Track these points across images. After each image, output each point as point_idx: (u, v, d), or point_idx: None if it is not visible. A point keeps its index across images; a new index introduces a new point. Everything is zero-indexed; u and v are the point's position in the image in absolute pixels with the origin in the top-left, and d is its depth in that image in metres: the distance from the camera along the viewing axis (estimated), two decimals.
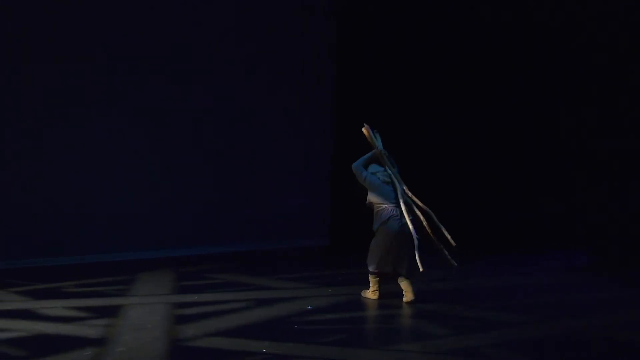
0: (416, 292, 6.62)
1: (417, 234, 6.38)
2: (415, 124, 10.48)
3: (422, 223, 6.47)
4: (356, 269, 7.63)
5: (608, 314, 6.32)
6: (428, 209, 6.52)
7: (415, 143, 10.58)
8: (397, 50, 10.66)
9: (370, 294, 6.80)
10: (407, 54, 10.59)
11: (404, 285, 6.65)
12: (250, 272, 8.24)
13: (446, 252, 6.53)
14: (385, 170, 6.68)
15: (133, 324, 5.75)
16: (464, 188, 10.28)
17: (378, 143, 6.73)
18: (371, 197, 6.65)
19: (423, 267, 6.27)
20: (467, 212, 10.24)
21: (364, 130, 6.72)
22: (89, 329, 5.62)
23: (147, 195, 9.37)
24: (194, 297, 6.82)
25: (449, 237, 6.47)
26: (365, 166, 6.70)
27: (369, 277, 6.78)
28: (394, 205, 6.55)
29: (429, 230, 6.46)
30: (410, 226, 6.42)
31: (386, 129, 10.47)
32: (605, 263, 8.70)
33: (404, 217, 6.47)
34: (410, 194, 6.59)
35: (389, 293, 6.86)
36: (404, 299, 6.62)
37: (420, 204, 6.55)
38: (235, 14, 10.01)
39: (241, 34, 10.05)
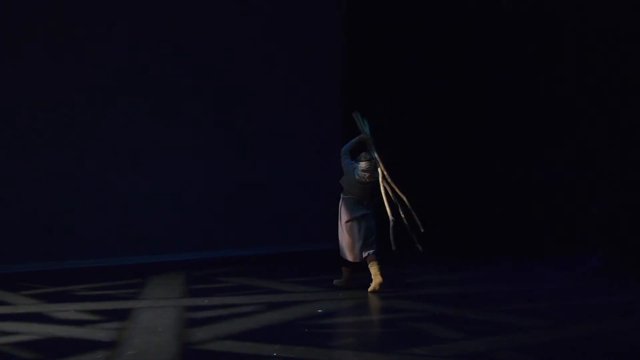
0: (385, 283, 6.97)
1: (392, 217, 6.89)
2: (421, 127, 10.50)
3: (398, 209, 6.92)
4: (366, 272, 7.61)
5: (622, 318, 6.25)
6: (403, 196, 6.98)
7: (421, 145, 10.59)
8: (402, 51, 10.69)
9: (341, 282, 7.24)
10: (411, 51, 10.63)
11: (373, 270, 6.99)
12: (260, 276, 8.25)
13: (414, 237, 6.92)
14: (369, 155, 7.09)
15: (144, 327, 5.76)
16: (470, 189, 10.22)
17: (366, 129, 7.22)
18: (344, 182, 7.23)
19: (395, 246, 6.83)
20: (474, 214, 10.19)
21: (353, 115, 7.37)
22: (100, 332, 5.63)
23: (157, 199, 9.39)
24: (205, 301, 6.82)
25: (419, 222, 6.93)
26: (352, 150, 7.23)
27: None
28: (356, 199, 7.09)
29: (403, 215, 6.90)
30: (388, 209, 6.91)
31: (393, 131, 10.62)
32: (618, 266, 8.61)
33: (368, 208, 7.06)
34: (389, 179, 7.02)
35: (397, 295, 6.85)
36: (369, 289, 7.00)
37: (397, 190, 6.99)
38: (236, 15, 10.05)
39: (243, 36, 10.07)
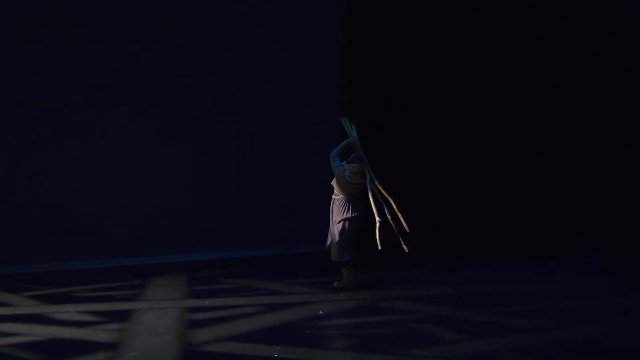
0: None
1: (379, 218, 6.93)
2: (421, 127, 10.50)
3: (384, 209, 7.02)
4: (367, 274, 7.64)
5: (622, 318, 6.27)
6: (389, 198, 7.07)
7: (421, 145, 10.58)
8: (402, 51, 10.71)
9: (342, 283, 7.31)
10: (411, 51, 10.64)
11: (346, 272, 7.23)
12: (261, 277, 8.25)
13: (400, 238, 6.91)
14: (360, 158, 7.20)
15: (145, 329, 5.77)
16: (470, 189, 10.23)
17: (353, 133, 7.40)
18: (335, 184, 7.33)
19: (381, 246, 6.84)
20: (474, 214, 10.20)
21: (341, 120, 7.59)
22: (102, 333, 5.64)
23: (157, 199, 9.39)
24: (206, 302, 6.83)
25: (405, 224, 6.97)
26: (341, 154, 7.35)
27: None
28: (347, 200, 7.17)
29: (389, 217, 6.97)
30: (374, 210, 6.95)
31: (393, 131, 10.63)
32: (618, 266, 8.62)
33: (359, 209, 7.12)
34: (375, 181, 7.15)
35: (397, 296, 6.84)
36: (336, 284, 7.34)
37: (383, 192, 7.10)
38: (236, 15, 10.05)
39: (243, 36, 10.07)
